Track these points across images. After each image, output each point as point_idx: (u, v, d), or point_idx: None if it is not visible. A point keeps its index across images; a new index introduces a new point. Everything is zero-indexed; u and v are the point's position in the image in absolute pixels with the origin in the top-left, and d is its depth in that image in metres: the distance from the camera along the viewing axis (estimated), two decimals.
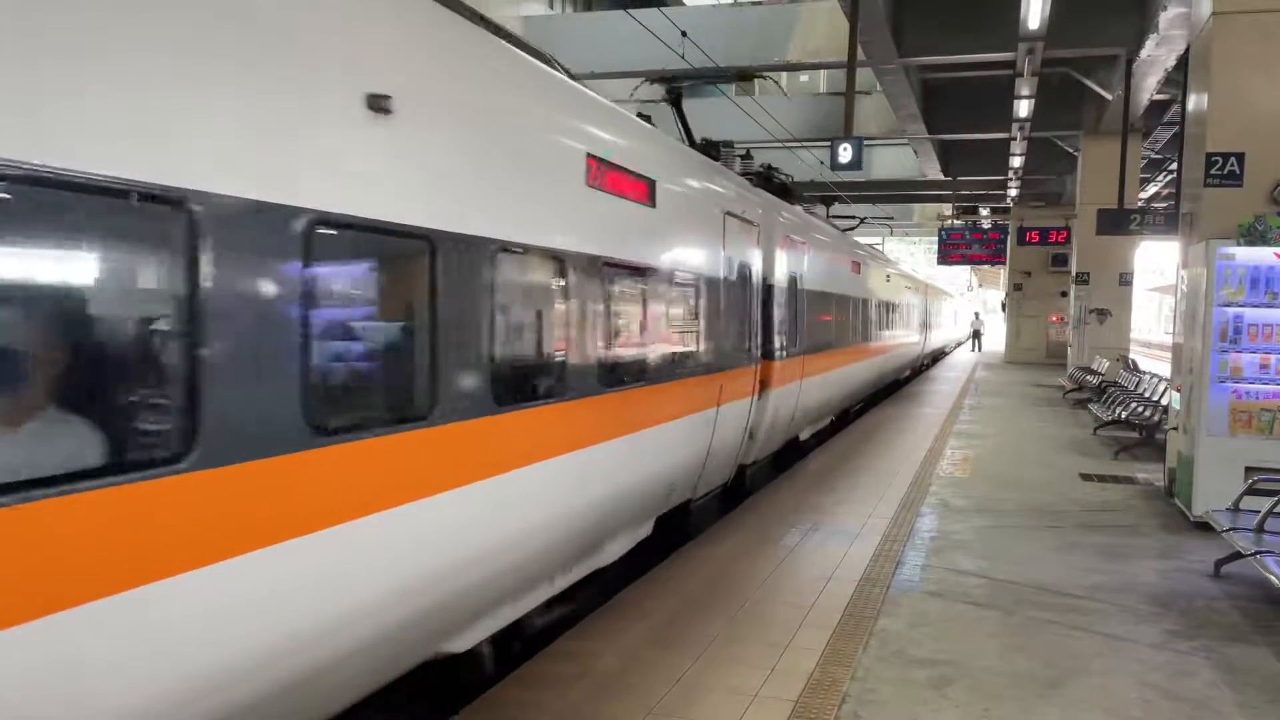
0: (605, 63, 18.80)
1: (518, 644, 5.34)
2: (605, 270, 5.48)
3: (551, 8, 26.12)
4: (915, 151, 27.36)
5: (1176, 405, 9.43)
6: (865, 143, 14.73)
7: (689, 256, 7.01)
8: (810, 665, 5.06)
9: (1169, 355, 10.43)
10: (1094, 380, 19.06)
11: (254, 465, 2.99)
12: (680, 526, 7.58)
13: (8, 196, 2.33)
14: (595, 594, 6.31)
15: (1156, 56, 15.68)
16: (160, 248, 2.80)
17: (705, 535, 7.81)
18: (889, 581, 6.60)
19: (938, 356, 36.39)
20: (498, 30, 4.92)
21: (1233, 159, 8.43)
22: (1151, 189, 32.48)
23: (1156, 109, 21.50)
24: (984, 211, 39.57)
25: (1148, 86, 17.74)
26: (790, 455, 11.71)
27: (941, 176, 29.65)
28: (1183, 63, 13.69)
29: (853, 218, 23.71)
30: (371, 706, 4.12)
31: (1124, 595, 6.41)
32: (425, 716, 4.87)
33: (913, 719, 4.46)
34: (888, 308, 19.04)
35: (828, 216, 21.29)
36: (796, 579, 6.62)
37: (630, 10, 13.75)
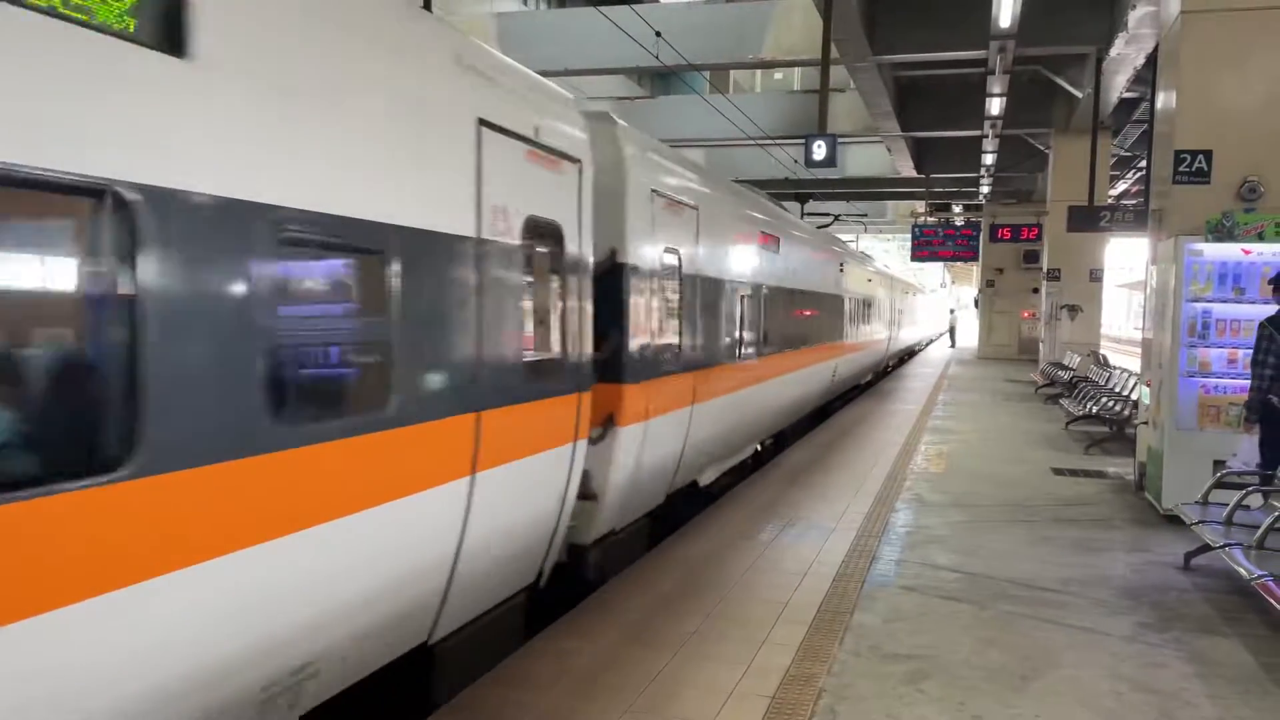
0: (580, 60, 18.77)
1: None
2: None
3: (525, 4, 26.06)
4: (889, 149, 27.48)
5: (1146, 400, 9.53)
6: (839, 140, 14.75)
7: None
8: (786, 661, 5.08)
9: (1139, 350, 10.55)
10: (1065, 375, 19.24)
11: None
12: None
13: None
14: (574, 591, 6.30)
15: (1126, 55, 15.84)
16: None
17: (681, 532, 7.82)
18: (864, 577, 6.64)
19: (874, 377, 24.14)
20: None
21: (1201, 156, 8.53)
22: (1121, 186, 32.87)
23: (1126, 107, 21.74)
24: (957, 209, 39.85)
25: (1117, 85, 17.92)
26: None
27: (915, 174, 29.81)
28: (1152, 61, 13.88)
29: (827, 215, 23.82)
30: (348, 706, 4.10)
31: (1096, 588, 6.48)
32: (404, 716, 4.84)
33: (889, 713, 4.49)
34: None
35: (802, 214, 21.40)
36: (772, 575, 6.64)
37: (602, 8, 13.71)
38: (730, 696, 4.64)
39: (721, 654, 5.18)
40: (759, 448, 11.44)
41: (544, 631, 5.48)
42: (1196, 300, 8.49)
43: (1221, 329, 8.48)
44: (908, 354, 36.33)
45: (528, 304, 5.01)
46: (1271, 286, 7.56)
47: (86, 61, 2.55)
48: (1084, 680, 4.91)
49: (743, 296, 9.42)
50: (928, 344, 49.17)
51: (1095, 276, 23.35)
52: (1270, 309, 7.53)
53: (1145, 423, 9.53)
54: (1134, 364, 13.92)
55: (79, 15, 2.52)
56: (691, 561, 6.94)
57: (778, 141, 23.82)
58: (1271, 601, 5.13)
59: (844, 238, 33.93)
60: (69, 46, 2.51)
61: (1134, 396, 12.48)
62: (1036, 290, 28.40)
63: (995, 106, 17.75)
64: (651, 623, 5.64)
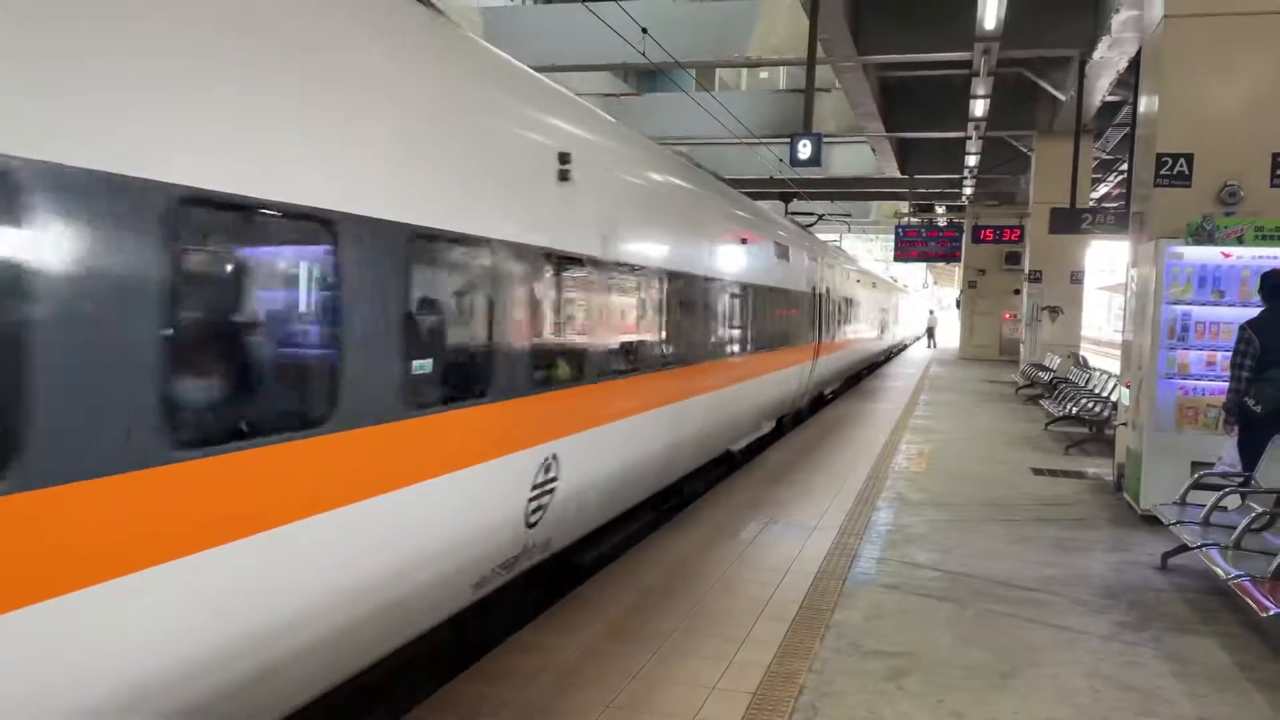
0: (567, 56, 18.73)
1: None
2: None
3: (512, 0, 25.98)
4: (873, 149, 27.59)
5: (1126, 401, 9.60)
6: (824, 140, 14.80)
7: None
8: (768, 658, 5.09)
9: (1118, 352, 10.62)
10: (1046, 376, 19.36)
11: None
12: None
13: None
14: (555, 587, 6.30)
15: (1109, 58, 15.95)
16: None
17: (665, 528, 7.82)
18: (846, 574, 6.66)
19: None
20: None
21: (1182, 160, 8.59)
22: (1103, 189, 33.07)
23: (1108, 110, 21.89)
24: (940, 209, 40.04)
25: (1100, 88, 18.04)
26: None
27: (899, 174, 29.93)
28: (1134, 65, 13.98)
29: (811, 214, 23.85)
30: (326, 703, 4.08)
31: (1075, 587, 6.52)
32: (383, 713, 4.83)
33: (869, 710, 4.51)
34: None
35: (786, 213, 21.37)
36: (755, 572, 6.65)
37: (589, 3, 13.69)
38: (712, 693, 4.64)
39: (703, 650, 5.18)
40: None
41: (526, 627, 5.47)
42: (1176, 303, 8.55)
43: (1200, 331, 8.54)
44: (866, 368, 26.68)
45: None
46: (1260, 288, 7.58)
47: None
48: (1062, 678, 4.95)
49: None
50: (899, 351, 40.44)
51: (1076, 278, 23.52)
52: (1251, 312, 7.59)
53: (1124, 424, 9.60)
54: (1114, 366, 14.06)
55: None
56: (674, 558, 6.95)
57: (763, 140, 23.86)
58: (1247, 601, 5.18)
59: (827, 238, 33.96)
60: None
61: (1113, 398, 12.57)
62: (1018, 291, 28.57)
63: (979, 108, 17.84)
64: (634, 618, 5.64)
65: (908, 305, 46.69)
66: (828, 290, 16.87)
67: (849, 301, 20.63)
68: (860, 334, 23.02)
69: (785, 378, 13.02)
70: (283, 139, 3.40)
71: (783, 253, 12.81)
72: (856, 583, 6.49)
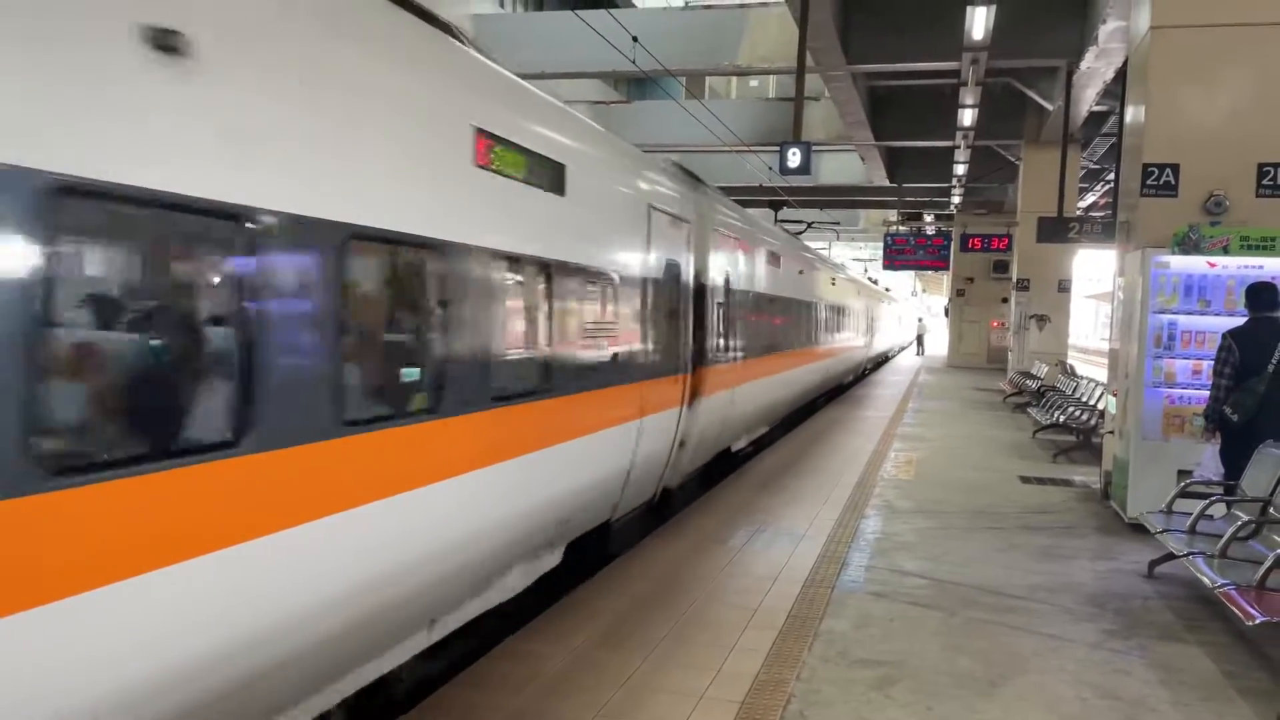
0: (557, 63, 18.77)
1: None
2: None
3: (502, 6, 26.01)
4: (862, 158, 27.70)
5: (1112, 409, 9.65)
6: (813, 148, 14.85)
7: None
8: (756, 666, 5.10)
9: (1105, 361, 10.68)
10: (1033, 385, 19.44)
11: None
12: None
13: None
14: (546, 594, 6.29)
15: (1096, 69, 16.07)
16: None
17: (654, 535, 7.82)
18: (834, 582, 6.67)
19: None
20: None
21: (1168, 170, 8.65)
22: (1090, 198, 33.29)
23: (1095, 120, 22.05)
24: (928, 218, 40.21)
25: (1087, 98, 18.18)
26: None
27: (887, 183, 30.05)
28: (1121, 75, 14.08)
29: (800, 222, 23.92)
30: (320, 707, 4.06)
31: (1062, 595, 6.55)
32: (374, 718, 4.81)
33: (857, 718, 4.51)
34: None
35: (775, 220, 21.37)
36: (744, 580, 6.66)
37: (579, 11, 13.72)
38: (700, 701, 4.65)
39: (692, 659, 5.19)
40: None
41: (516, 634, 5.47)
42: (1162, 312, 8.60)
43: (1186, 340, 8.59)
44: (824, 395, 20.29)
45: None
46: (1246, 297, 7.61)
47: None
48: (1049, 686, 4.96)
49: None
50: (872, 371, 32.46)
51: (1063, 287, 23.63)
52: (1235, 321, 7.64)
53: (1111, 432, 9.64)
54: (1101, 374, 14.12)
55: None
56: (664, 565, 6.95)
57: (752, 149, 23.93)
58: (1233, 609, 5.20)
59: (815, 245, 33.99)
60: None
61: (1100, 406, 12.63)
62: (1006, 300, 28.68)
63: (967, 117, 17.93)
64: (623, 626, 5.64)
65: (890, 312, 39.04)
66: (726, 281, 10.15)
67: (776, 302, 13.17)
68: (805, 351, 15.83)
69: (586, 453, 6.33)
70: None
71: (577, 194, 5.97)
72: (845, 591, 6.50)
